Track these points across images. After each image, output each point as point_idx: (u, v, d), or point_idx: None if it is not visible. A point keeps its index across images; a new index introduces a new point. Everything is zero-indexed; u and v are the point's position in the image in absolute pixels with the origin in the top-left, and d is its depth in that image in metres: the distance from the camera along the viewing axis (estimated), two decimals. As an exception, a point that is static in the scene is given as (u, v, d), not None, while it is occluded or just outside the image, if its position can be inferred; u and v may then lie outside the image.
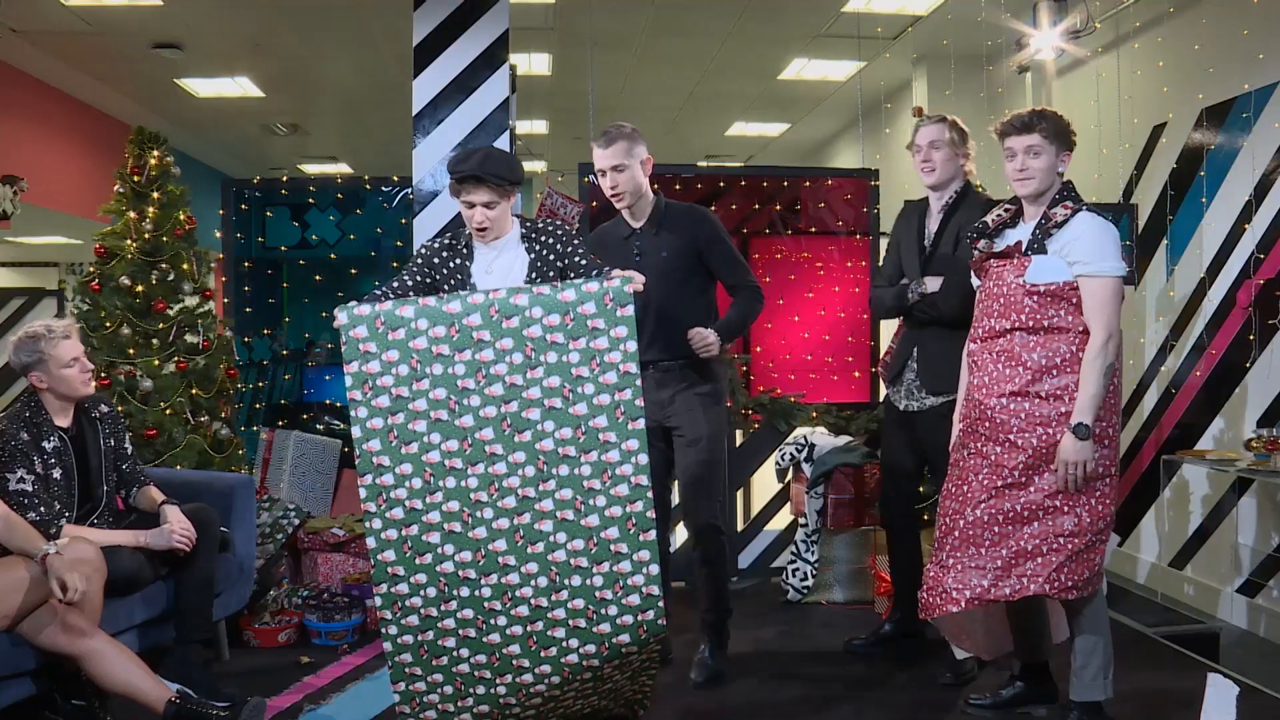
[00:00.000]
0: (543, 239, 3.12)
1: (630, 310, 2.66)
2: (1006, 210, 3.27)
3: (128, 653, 3.10)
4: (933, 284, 3.71)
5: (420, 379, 2.65)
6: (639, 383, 2.67)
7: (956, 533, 3.17)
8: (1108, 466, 3.08)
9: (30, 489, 3.32)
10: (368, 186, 5.88)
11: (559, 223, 3.18)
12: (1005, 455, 3.11)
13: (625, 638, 2.71)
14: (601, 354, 2.65)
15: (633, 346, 2.66)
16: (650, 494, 2.69)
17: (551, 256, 3.13)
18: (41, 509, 3.30)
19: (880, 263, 4.05)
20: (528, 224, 3.17)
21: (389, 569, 2.68)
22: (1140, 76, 5.68)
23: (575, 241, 3.16)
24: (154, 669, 3.15)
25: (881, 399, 4.01)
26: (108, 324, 4.54)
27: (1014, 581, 3.08)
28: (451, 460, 2.66)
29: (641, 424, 2.67)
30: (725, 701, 3.65)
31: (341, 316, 2.67)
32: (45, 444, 3.44)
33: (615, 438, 2.65)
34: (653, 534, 2.69)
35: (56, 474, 3.45)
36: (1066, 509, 3.06)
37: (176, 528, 3.52)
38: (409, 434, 2.65)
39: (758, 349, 5.79)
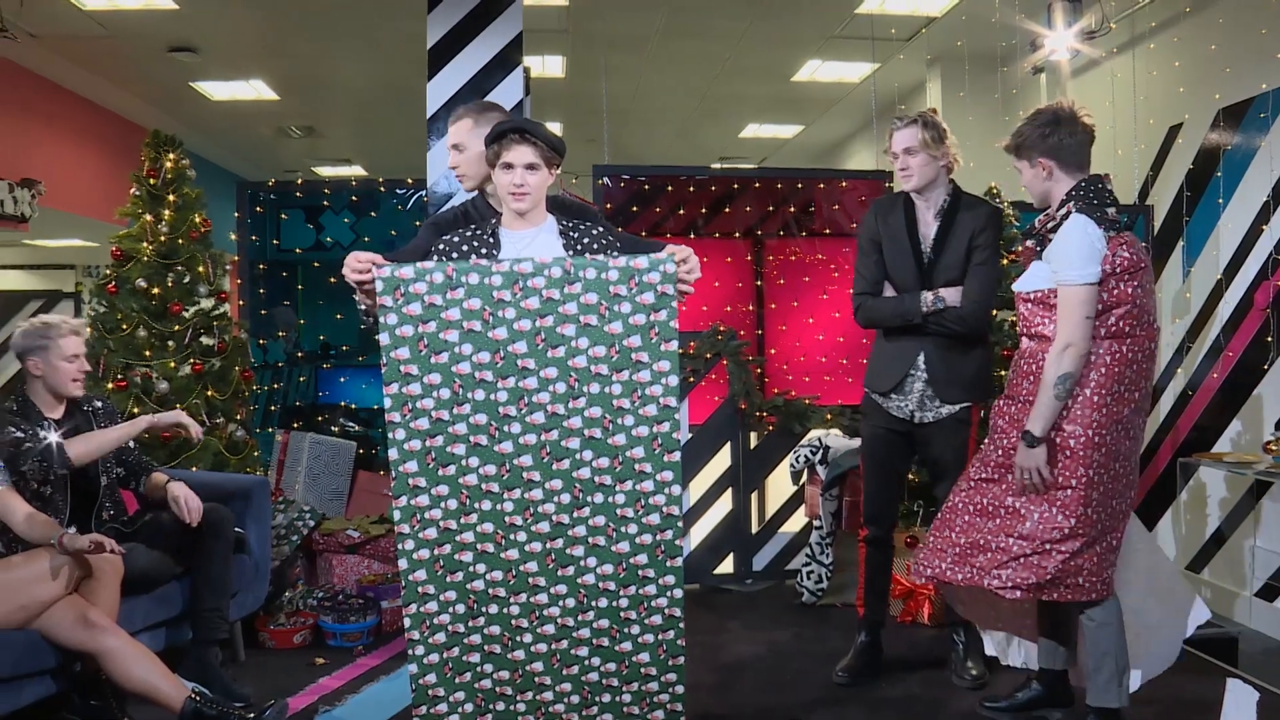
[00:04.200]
0: (585, 240, 2.92)
1: (674, 345, 2.65)
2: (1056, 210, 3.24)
3: (146, 652, 3.12)
4: (951, 296, 3.57)
5: (462, 404, 2.63)
6: (678, 416, 2.69)
7: (940, 516, 3.32)
8: (1067, 478, 3.04)
9: (21, 435, 3.40)
10: (382, 189, 5.90)
11: (601, 228, 3.01)
12: (990, 452, 3.23)
13: (645, 656, 2.75)
14: (643, 387, 2.65)
15: (674, 381, 2.66)
16: (680, 523, 2.72)
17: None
18: (33, 444, 3.40)
19: (855, 268, 3.82)
20: (565, 222, 2.97)
21: (419, 588, 2.68)
22: (1156, 77, 5.65)
23: (615, 256, 2.92)
24: (171, 669, 3.17)
25: (865, 408, 3.83)
26: (124, 326, 4.56)
27: (967, 570, 3.17)
28: (489, 484, 2.66)
29: (677, 456, 2.68)
30: (739, 703, 3.65)
31: (384, 337, 2.60)
32: (39, 429, 3.50)
33: (650, 468, 2.67)
34: (679, 560, 2.72)
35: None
36: (1024, 512, 3.11)
37: (180, 495, 3.60)
38: (447, 456, 2.64)
39: (772, 351, 5.79)
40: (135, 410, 4.39)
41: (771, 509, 5.31)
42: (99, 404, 3.79)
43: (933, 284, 3.61)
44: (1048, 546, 3.04)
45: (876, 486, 3.83)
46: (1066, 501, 3.04)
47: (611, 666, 2.75)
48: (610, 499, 2.68)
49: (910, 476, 4.80)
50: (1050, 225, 3.10)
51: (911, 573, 3.40)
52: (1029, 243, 3.28)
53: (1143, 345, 3.07)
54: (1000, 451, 3.18)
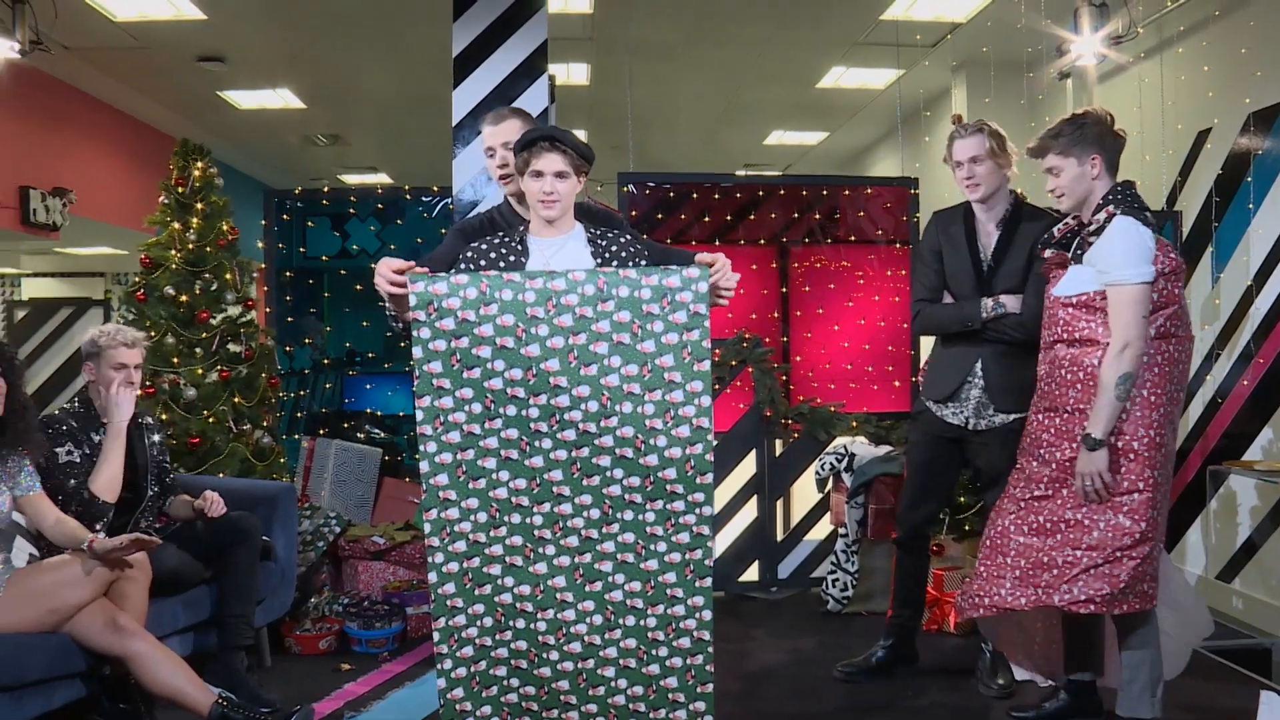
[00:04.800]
0: (612, 249, 2.93)
1: (707, 365, 2.62)
2: (1074, 218, 3.23)
3: (173, 657, 3.15)
4: (1012, 303, 3.54)
5: (493, 418, 2.61)
6: (710, 437, 2.65)
7: (989, 542, 3.24)
8: (1134, 481, 3.00)
9: (78, 460, 3.51)
10: (408, 196, 5.92)
11: (627, 236, 3.00)
12: (1037, 469, 3.16)
13: (673, 681, 2.72)
14: (676, 407, 2.61)
15: (707, 401, 2.63)
16: (711, 543, 2.68)
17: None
18: (84, 476, 3.48)
19: (914, 277, 3.87)
20: (593, 230, 2.96)
21: (448, 602, 2.68)
22: (1184, 81, 5.60)
23: (641, 264, 2.93)
24: (198, 674, 3.19)
25: (916, 412, 3.85)
26: (152, 333, 4.60)
27: (1031, 592, 3.10)
28: (518, 498, 2.64)
29: (709, 477, 2.65)
30: (763, 712, 3.63)
31: (417, 351, 2.59)
32: (93, 435, 3.59)
33: (682, 489, 2.63)
34: (709, 581, 2.68)
35: None
36: (1088, 523, 3.05)
37: (211, 495, 3.72)
38: (478, 470, 2.63)
39: (797, 358, 5.77)
40: (164, 416, 4.43)
41: (797, 517, 5.29)
42: (149, 419, 3.86)
43: (992, 292, 3.59)
44: (1119, 554, 2.99)
45: (917, 492, 3.82)
46: (1134, 506, 3.00)
47: (639, 690, 2.71)
48: (640, 516, 2.64)
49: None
50: (1092, 229, 3.07)
51: (963, 606, 3.28)
52: (1049, 251, 3.26)
53: (1185, 347, 3.08)
54: (1053, 466, 3.11)
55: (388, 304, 2.76)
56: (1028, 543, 3.13)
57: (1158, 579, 3.06)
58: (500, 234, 2.98)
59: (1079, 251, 3.11)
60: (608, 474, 2.63)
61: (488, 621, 2.69)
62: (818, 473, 5.08)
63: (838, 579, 4.85)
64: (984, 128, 3.58)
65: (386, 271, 2.62)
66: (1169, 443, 3.06)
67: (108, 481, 3.50)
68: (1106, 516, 3.02)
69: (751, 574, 5.22)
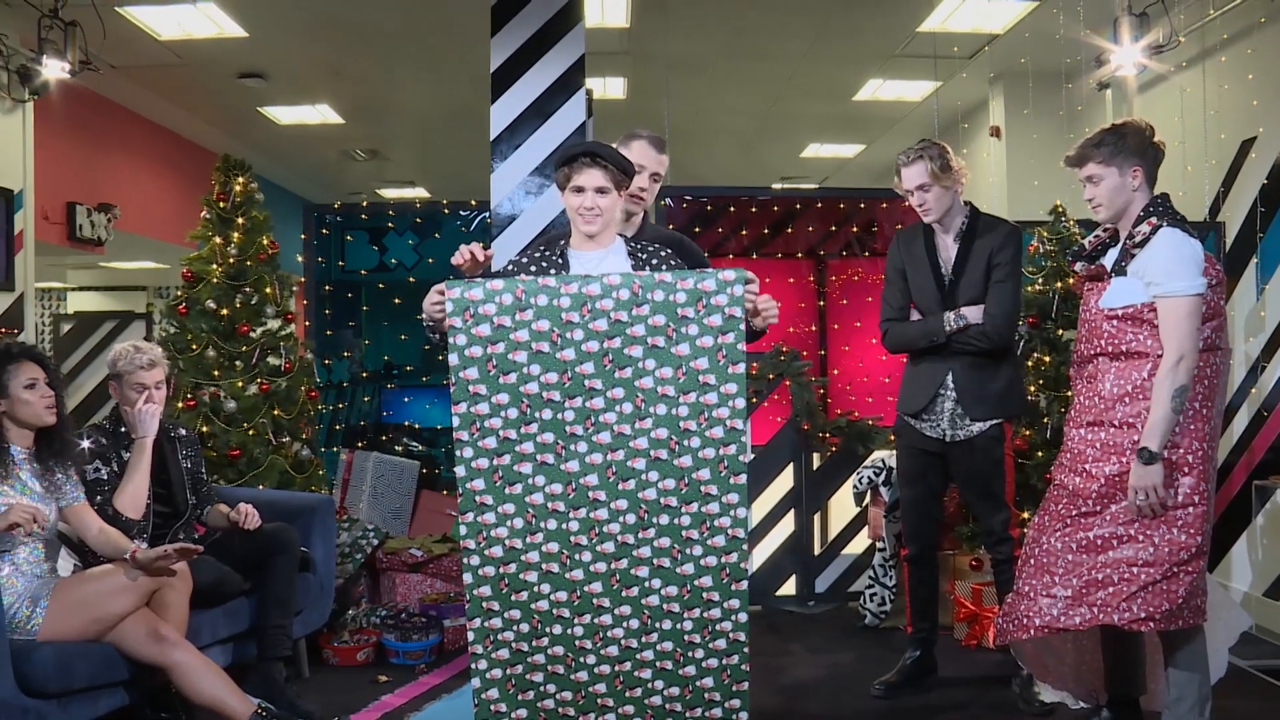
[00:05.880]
0: (653, 262, 2.94)
1: (741, 369, 2.64)
2: (1105, 230, 3.20)
3: (214, 667, 3.18)
4: (973, 314, 3.64)
5: (529, 423, 2.64)
6: (744, 438, 2.67)
7: (1033, 561, 3.16)
8: (1189, 495, 2.95)
9: (105, 478, 3.56)
10: (445, 210, 5.97)
11: (667, 251, 3.01)
12: (1082, 485, 3.09)
13: (709, 681, 2.73)
14: (710, 409, 2.64)
15: (741, 404, 2.65)
16: (745, 546, 2.70)
17: None
18: (111, 494, 3.53)
19: (882, 297, 3.95)
20: (633, 244, 2.99)
21: (484, 604, 2.70)
22: (1228, 90, 5.53)
23: (683, 277, 2.91)
24: (237, 684, 3.21)
25: (897, 429, 3.92)
26: (194, 346, 4.65)
27: (1085, 611, 3.02)
28: (554, 503, 2.67)
29: (743, 479, 2.67)
30: (802, 728, 3.61)
31: (453, 358, 2.63)
32: (122, 453, 3.64)
33: (716, 490, 2.66)
34: (744, 584, 2.70)
35: None
36: (1141, 538, 2.98)
37: (246, 508, 3.76)
38: (514, 475, 2.66)
39: (835, 371, 5.75)
40: (205, 429, 4.48)
41: (834, 530, 5.27)
42: (183, 431, 3.90)
43: (954, 305, 3.69)
44: (1176, 570, 2.94)
45: (913, 506, 3.92)
46: (1189, 520, 2.95)
47: (675, 690, 2.73)
48: (675, 520, 2.66)
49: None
50: (1136, 240, 3.03)
51: (1006, 629, 3.20)
52: (1079, 265, 3.22)
53: (1225, 359, 3.04)
54: (1100, 481, 3.03)
55: (426, 315, 2.78)
56: (1077, 560, 3.05)
57: (1206, 593, 3.01)
58: (541, 247, 3.00)
59: (1122, 263, 3.06)
60: (643, 477, 2.65)
61: (524, 627, 2.71)
62: (855, 486, 5.05)
63: (875, 593, 4.82)
64: (925, 154, 3.66)
65: (465, 253, 2.81)
66: (1216, 455, 3.03)
67: (132, 498, 3.53)
68: (1161, 531, 2.96)
69: (789, 588, 5.20)
